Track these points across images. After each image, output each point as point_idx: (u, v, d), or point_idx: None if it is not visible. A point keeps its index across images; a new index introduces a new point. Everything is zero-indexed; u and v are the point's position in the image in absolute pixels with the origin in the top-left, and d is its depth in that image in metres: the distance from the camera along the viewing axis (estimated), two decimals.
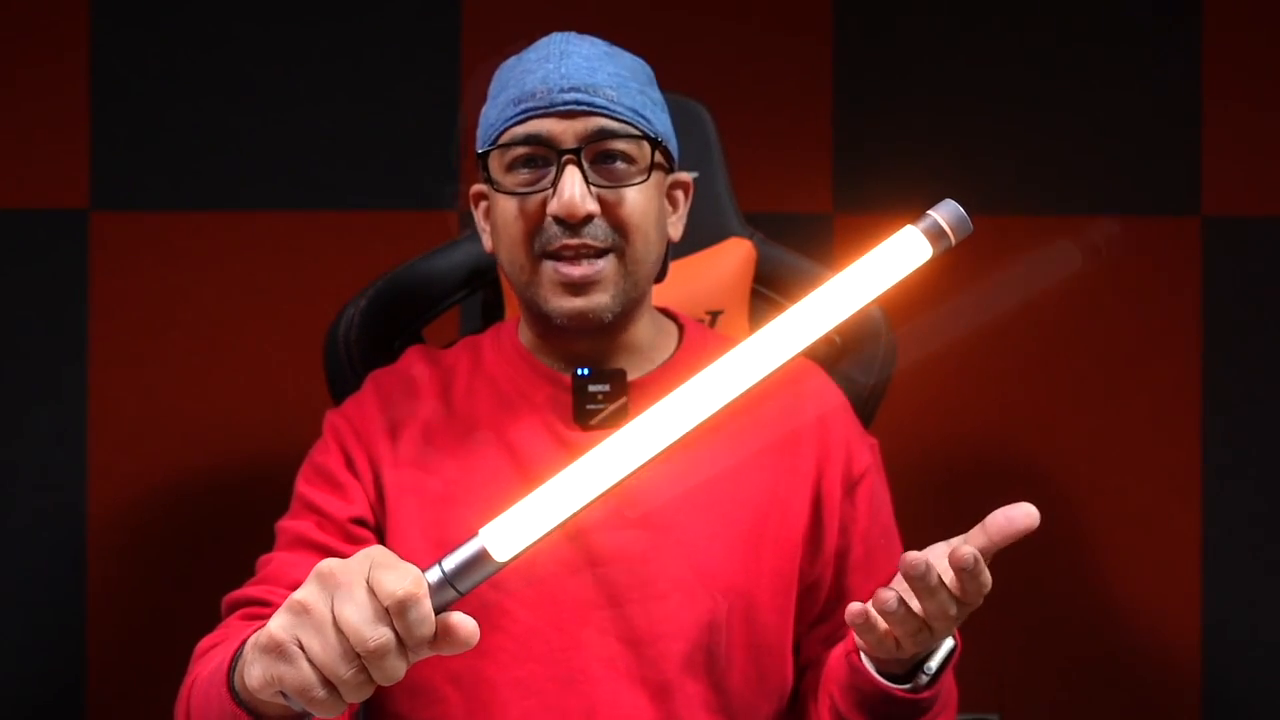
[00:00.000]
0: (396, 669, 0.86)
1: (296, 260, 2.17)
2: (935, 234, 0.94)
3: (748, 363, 0.93)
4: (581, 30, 1.37)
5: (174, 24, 2.16)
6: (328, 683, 0.86)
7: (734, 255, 1.62)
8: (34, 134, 2.15)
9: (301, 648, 0.87)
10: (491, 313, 1.62)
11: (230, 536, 2.14)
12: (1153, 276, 2.23)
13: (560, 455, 1.32)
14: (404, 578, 0.85)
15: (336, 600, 0.86)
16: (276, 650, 0.88)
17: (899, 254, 0.94)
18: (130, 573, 2.16)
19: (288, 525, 1.34)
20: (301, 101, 2.17)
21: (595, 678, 1.28)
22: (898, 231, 0.95)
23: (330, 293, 1.75)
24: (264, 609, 1.27)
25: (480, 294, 1.63)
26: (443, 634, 0.87)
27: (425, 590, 0.86)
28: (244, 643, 0.98)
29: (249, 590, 1.29)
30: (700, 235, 1.63)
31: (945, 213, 0.95)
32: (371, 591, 0.86)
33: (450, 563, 0.88)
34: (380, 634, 0.85)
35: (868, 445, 1.40)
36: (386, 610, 0.85)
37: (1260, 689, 2.24)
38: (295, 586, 1.09)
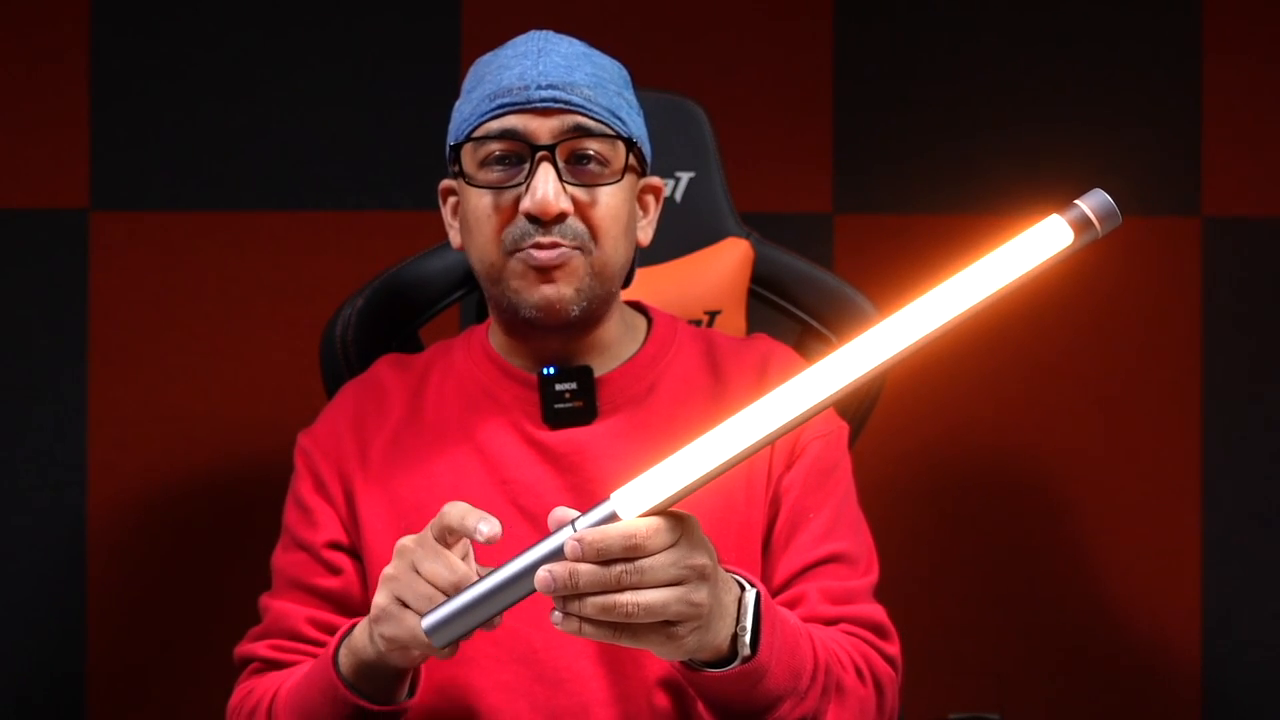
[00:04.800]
0: None
1: (296, 260, 2.17)
2: (1081, 224, 0.92)
3: (883, 342, 0.96)
4: (580, 30, 1.37)
5: (174, 24, 2.16)
6: None
7: (731, 255, 1.62)
8: (34, 134, 2.15)
9: (402, 604, 1.08)
10: (488, 313, 1.61)
11: (230, 536, 2.15)
12: (1153, 276, 2.22)
13: (530, 455, 1.32)
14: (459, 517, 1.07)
15: (416, 561, 1.08)
16: (383, 615, 1.10)
17: (1042, 244, 0.93)
18: (130, 573, 2.16)
19: (279, 564, 1.38)
20: (301, 101, 2.17)
21: (583, 676, 1.28)
22: (1043, 220, 0.93)
23: (330, 293, 1.75)
24: (275, 667, 1.33)
25: (477, 293, 1.63)
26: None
27: (476, 515, 1.07)
28: (342, 636, 1.20)
29: (257, 647, 1.35)
30: (697, 235, 1.64)
31: (1093, 203, 0.93)
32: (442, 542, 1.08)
33: (582, 523, 1.00)
34: (458, 569, 1.07)
35: (822, 420, 1.34)
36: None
37: (1260, 689, 2.24)
38: (293, 637, 1.32)
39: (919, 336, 0.96)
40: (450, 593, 1.06)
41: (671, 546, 1.01)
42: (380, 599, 1.10)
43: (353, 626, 1.20)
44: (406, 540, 1.10)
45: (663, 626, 1.02)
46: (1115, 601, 2.23)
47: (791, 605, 1.29)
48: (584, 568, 0.99)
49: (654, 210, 1.38)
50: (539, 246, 1.27)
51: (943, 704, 2.13)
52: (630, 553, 0.99)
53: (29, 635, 2.15)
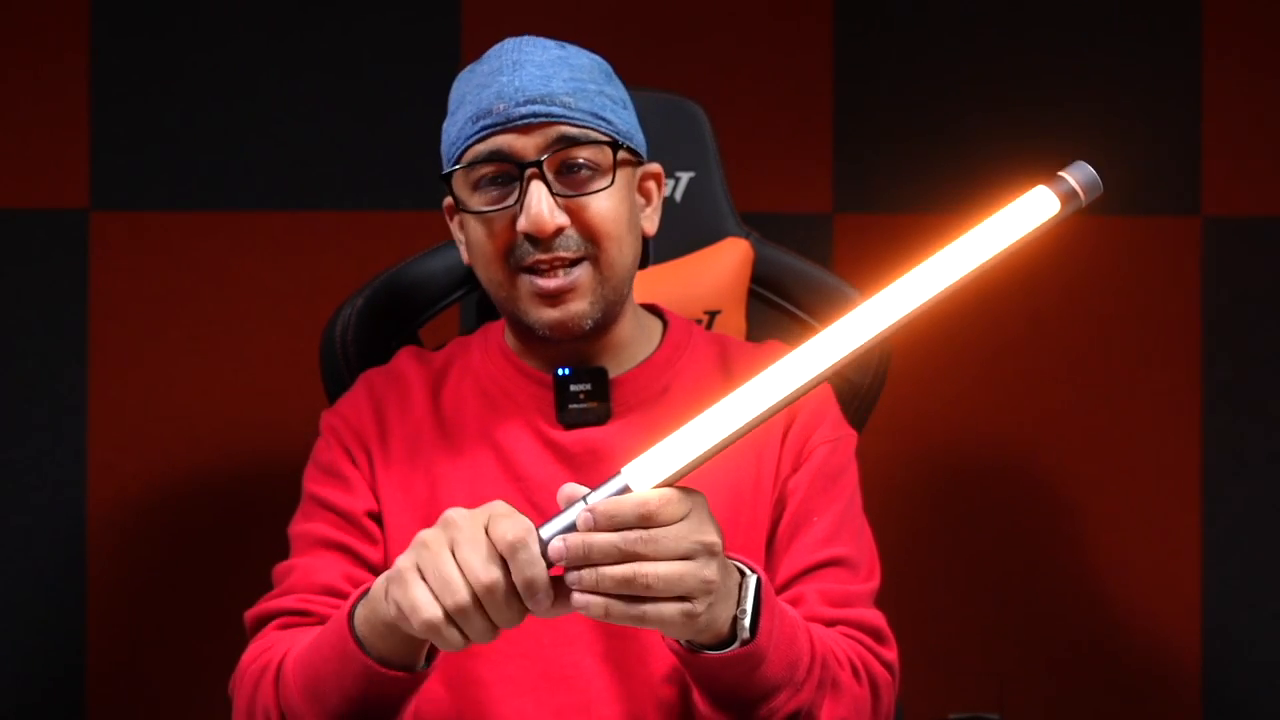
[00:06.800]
0: (512, 614, 1.02)
1: (296, 260, 2.17)
2: (1067, 194, 0.97)
3: (875, 315, 0.99)
4: (579, 31, 1.37)
5: (174, 24, 2.16)
6: (445, 612, 1.01)
7: (731, 255, 1.62)
8: (34, 134, 2.15)
9: (421, 575, 1.02)
10: (488, 313, 1.62)
11: (230, 536, 2.15)
12: (1153, 276, 2.22)
13: (545, 454, 1.32)
14: (517, 525, 1.01)
15: (456, 541, 1.02)
16: (399, 578, 1.03)
17: (1029, 213, 0.97)
18: (130, 573, 2.16)
19: (303, 529, 1.35)
20: (301, 101, 2.17)
21: (588, 674, 1.29)
22: (1029, 190, 0.98)
23: (330, 293, 1.75)
24: (304, 619, 1.28)
25: (477, 293, 1.63)
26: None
27: (535, 538, 1.00)
28: (361, 593, 1.13)
29: (280, 602, 1.30)
30: (697, 235, 1.64)
31: (1078, 174, 0.99)
32: (488, 535, 1.01)
33: (594, 497, 1.01)
34: (492, 573, 1.00)
35: (831, 426, 1.36)
36: (500, 554, 1.01)
37: (1260, 689, 2.24)
38: (326, 591, 1.27)
39: (914, 306, 0.99)
40: (474, 593, 1.02)
41: (683, 520, 1.01)
42: (404, 561, 1.04)
43: (371, 584, 1.15)
44: (456, 514, 1.04)
45: (678, 601, 1.02)
46: (1115, 601, 2.23)
47: (790, 605, 1.29)
48: (598, 537, 0.99)
49: (656, 197, 1.38)
50: (541, 264, 1.27)
51: (943, 704, 2.13)
52: (643, 522, 1.00)
53: (29, 635, 2.15)
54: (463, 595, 1.01)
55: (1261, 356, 2.24)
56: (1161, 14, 2.24)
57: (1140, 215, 2.21)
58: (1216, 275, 2.23)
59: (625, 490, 1.01)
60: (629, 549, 0.99)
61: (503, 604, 1.01)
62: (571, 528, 1.01)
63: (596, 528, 1.00)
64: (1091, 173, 0.98)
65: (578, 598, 1.01)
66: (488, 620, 1.02)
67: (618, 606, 1.01)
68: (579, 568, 1.01)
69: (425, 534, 1.04)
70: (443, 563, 1.02)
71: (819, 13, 2.22)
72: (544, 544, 1.01)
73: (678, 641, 1.11)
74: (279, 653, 1.23)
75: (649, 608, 1.01)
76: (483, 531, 1.02)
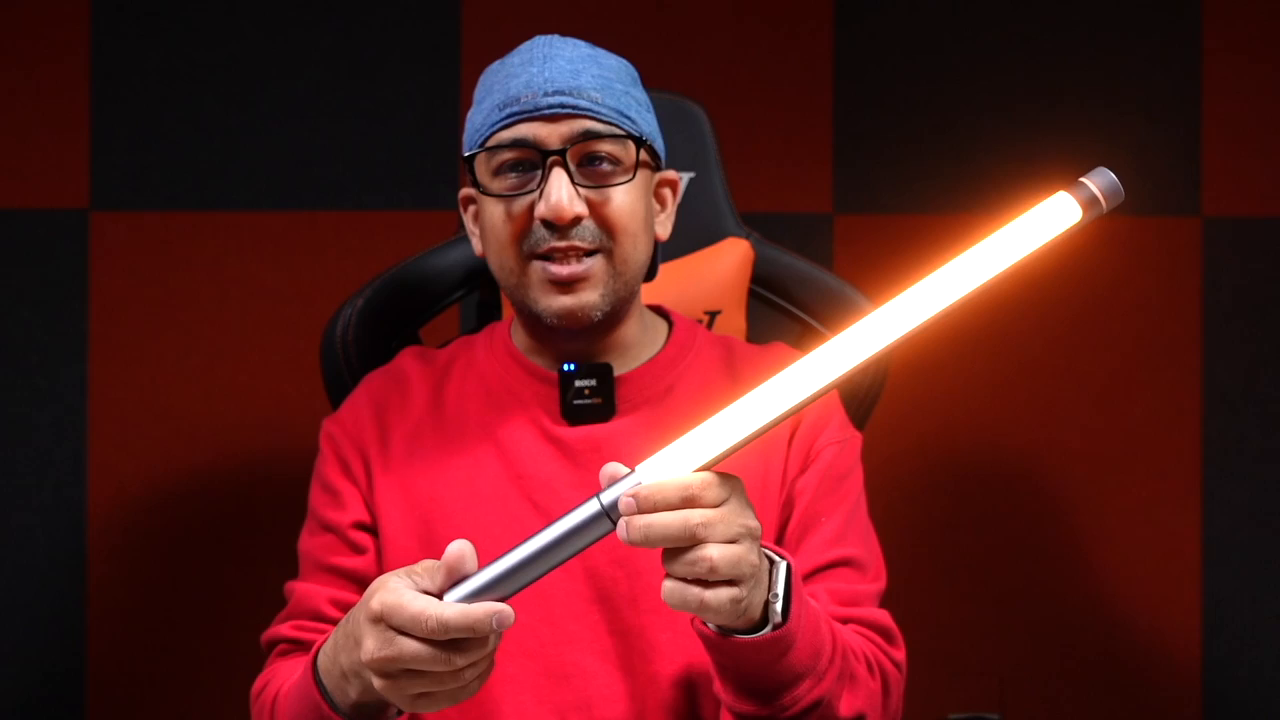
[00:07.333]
0: (483, 650, 1.02)
1: (296, 260, 2.17)
2: (1088, 200, 0.97)
3: (894, 319, 0.98)
4: (580, 31, 1.37)
5: (174, 24, 2.16)
6: (441, 694, 1.04)
7: (731, 255, 1.62)
8: (34, 134, 2.15)
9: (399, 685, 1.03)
10: (488, 312, 1.62)
11: (229, 536, 2.15)
12: (1153, 276, 2.23)
13: (547, 450, 1.33)
14: (391, 595, 1.01)
15: (381, 649, 1.02)
16: (399, 688, 1.03)
17: (1051, 219, 0.97)
18: (130, 573, 2.16)
19: (305, 547, 1.38)
20: (302, 101, 2.17)
21: (589, 671, 1.29)
22: (1051, 196, 0.98)
23: (330, 293, 1.75)
24: (298, 648, 1.33)
25: (477, 293, 1.63)
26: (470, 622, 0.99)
27: (420, 613, 0.99)
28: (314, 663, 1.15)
29: (281, 629, 1.35)
30: (697, 235, 1.64)
31: (1099, 180, 1.00)
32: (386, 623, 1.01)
33: (608, 496, 1.01)
34: (410, 645, 1.00)
35: (837, 428, 1.37)
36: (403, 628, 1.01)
37: (1260, 689, 2.24)
38: (316, 617, 1.32)
39: (935, 312, 0.98)
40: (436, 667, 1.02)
41: (725, 503, 1.03)
42: (388, 685, 1.04)
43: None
44: (381, 604, 1.02)
45: (729, 586, 1.04)
46: (1115, 601, 2.23)
47: None
48: (660, 515, 1.01)
49: (671, 204, 1.40)
50: (556, 251, 1.28)
51: (943, 704, 2.13)
52: (686, 504, 1.01)
53: (29, 635, 2.15)
54: (432, 680, 1.02)
55: (1261, 356, 2.24)
56: (1161, 14, 2.24)
57: (1140, 215, 2.21)
58: (1216, 275, 2.23)
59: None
60: (689, 529, 1.01)
61: (468, 654, 1.01)
62: (588, 523, 1.01)
63: (640, 511, 1.01)
64: (1112, 178, 0.99)
65: (666, 584, 1.03)
66: (476, 652, 1.02)
67: (679, 591, 1.03)
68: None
69: (377, 653, 1.02)
70: (419, 663, 1.02)
71: (819, 13, 2.22)
72: (604, 509, 1.01)
73: (709, 626, 1.12)
74: (277, 685, 1.26)
75: (709, 594, 1.03)
76: (383, 625, 1.02)
